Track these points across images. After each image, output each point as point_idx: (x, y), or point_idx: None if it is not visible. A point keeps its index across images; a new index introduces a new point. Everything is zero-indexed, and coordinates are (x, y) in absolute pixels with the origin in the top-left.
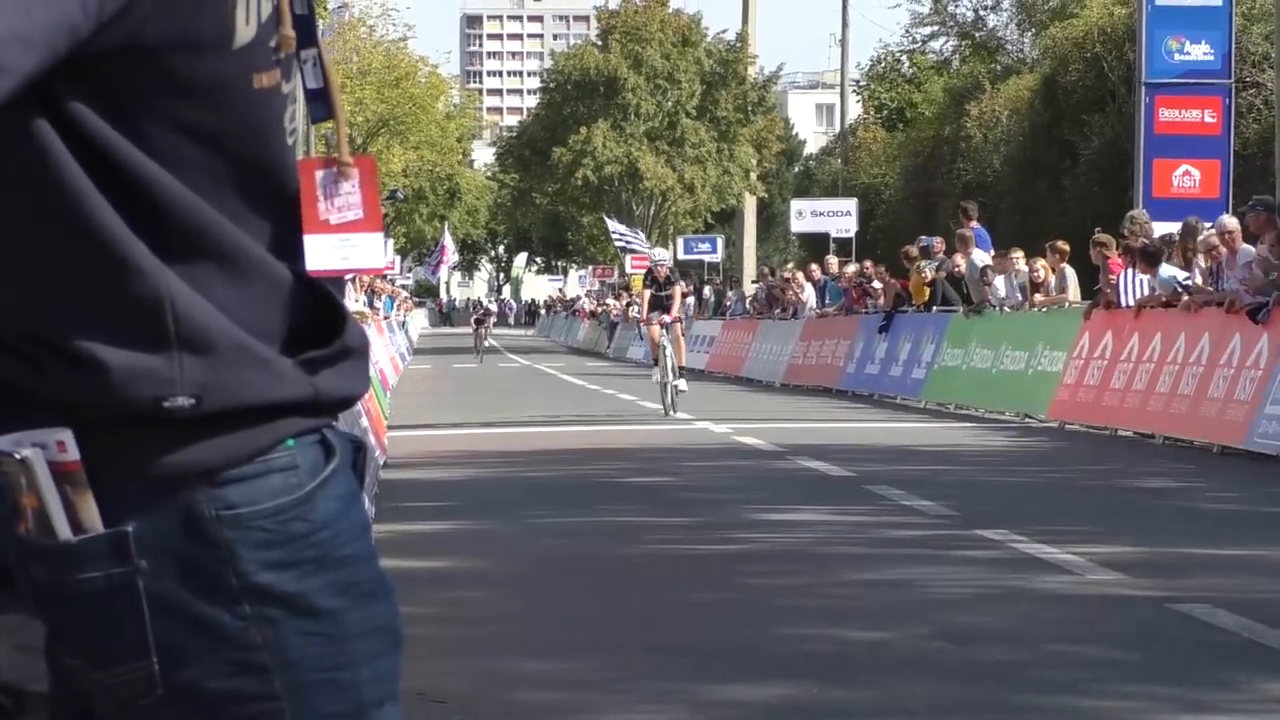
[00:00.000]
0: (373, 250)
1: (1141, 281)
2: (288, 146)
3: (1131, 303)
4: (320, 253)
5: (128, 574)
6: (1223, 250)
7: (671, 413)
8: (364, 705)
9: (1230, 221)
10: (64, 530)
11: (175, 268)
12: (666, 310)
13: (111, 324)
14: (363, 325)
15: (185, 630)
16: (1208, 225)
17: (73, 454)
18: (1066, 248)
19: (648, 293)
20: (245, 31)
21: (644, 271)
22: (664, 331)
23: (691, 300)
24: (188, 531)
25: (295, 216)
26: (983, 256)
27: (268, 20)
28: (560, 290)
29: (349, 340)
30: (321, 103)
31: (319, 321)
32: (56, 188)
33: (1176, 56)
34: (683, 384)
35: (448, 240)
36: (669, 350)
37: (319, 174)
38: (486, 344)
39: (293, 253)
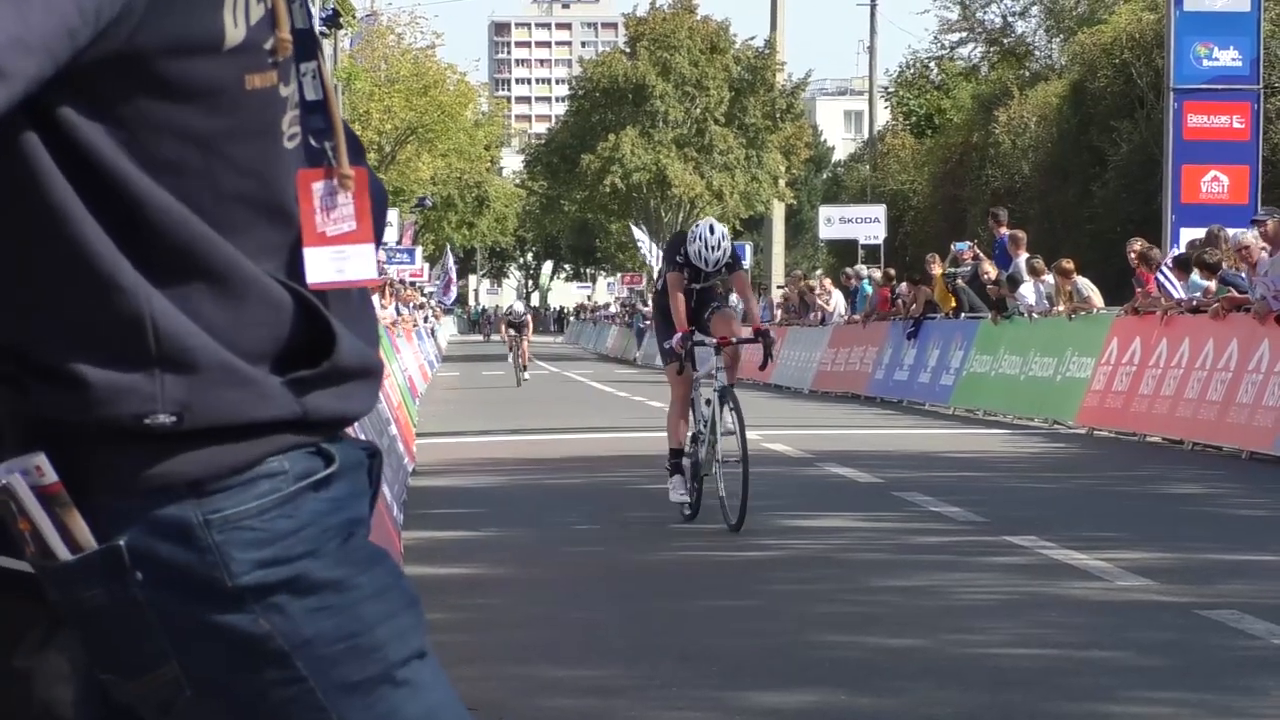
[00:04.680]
0: (366, 261)
1: (1180, 286)
2: (284, 149)
3: (1183, 295)
4: (318, 265)
5: (126, 586)
6: (1244, 263)
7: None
8: (391, 665)
9: (1247, 237)
10: (62, 551)
11: (162, 286)
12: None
13: (92, 341)
14: (391, 334)
15: (196, 633)
16: (1232, 233)
17: (50, 476)
18: (1071, 265)
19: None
20: (234, 34)
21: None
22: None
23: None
24: (178, 539)
25: (291, 226)
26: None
27: (259, 23)
28: (589, 298)
29: (339, 361)
30: (321, 114)
31: (310, 341)
32: (41, 202)
33: (1205, 62)
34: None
35: (450, 262)
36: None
37: (318, 186)
38: (526, 375)
39: (289, 266)
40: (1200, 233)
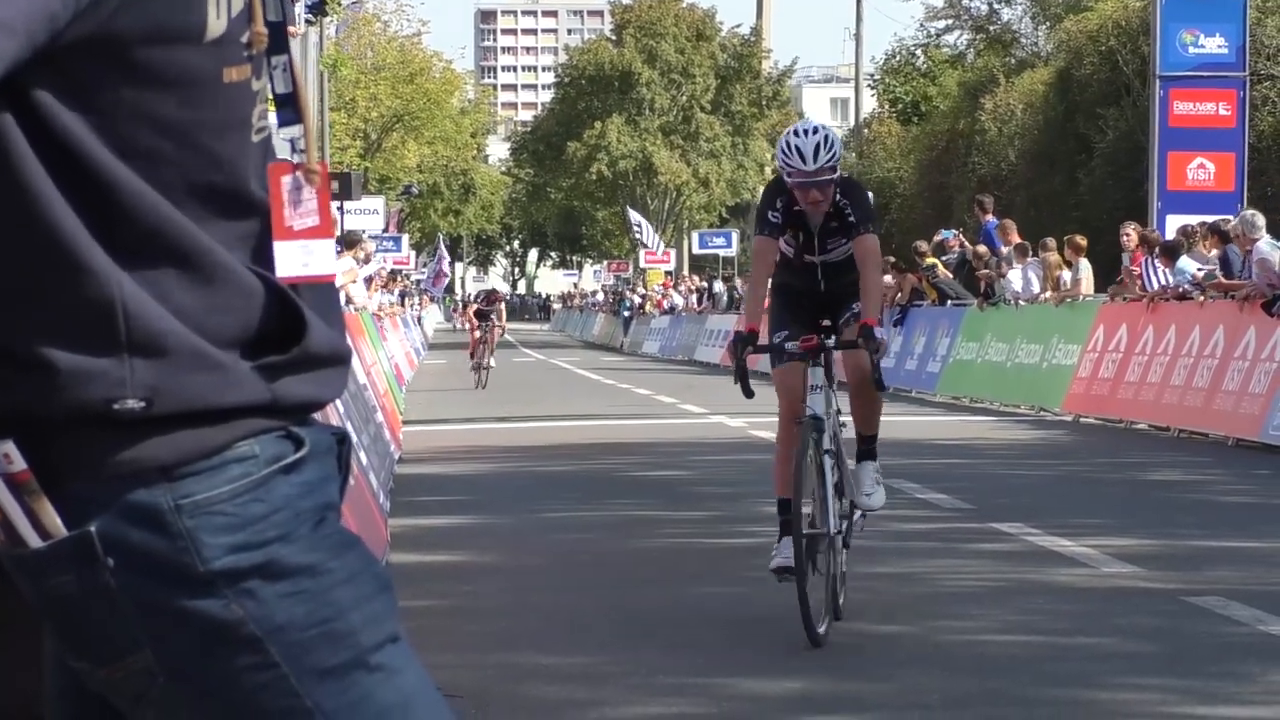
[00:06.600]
0: (327, 256)
1: (1165, 272)
2: (253, 143)
3: (1169, 281)
4: (286, 259)
5: (98, 573)
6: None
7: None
8: (364, 650)
9: (1255, 218)
10: (33, 539)
11: (133, 271)
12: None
13: (62, 325)
14: (383, 318)
15: (168, 619)
16: (1232, 219)
17: (19, 463)
18: (1084, 242)
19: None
20: (216, 25)
21: (659, 265)
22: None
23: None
24: (149, 525)
25: (259, 217)
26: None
27: (238, 16)
28: (575, 285)
29: (310, 347)
30: (290, 107)
31: (281, 327)
32: (13, 185)
33: (1191, 49)
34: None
35: (444, 254)
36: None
37: (286, 179)
38: (490, 362)
39: (257, 256)
40: (1186, 219)
